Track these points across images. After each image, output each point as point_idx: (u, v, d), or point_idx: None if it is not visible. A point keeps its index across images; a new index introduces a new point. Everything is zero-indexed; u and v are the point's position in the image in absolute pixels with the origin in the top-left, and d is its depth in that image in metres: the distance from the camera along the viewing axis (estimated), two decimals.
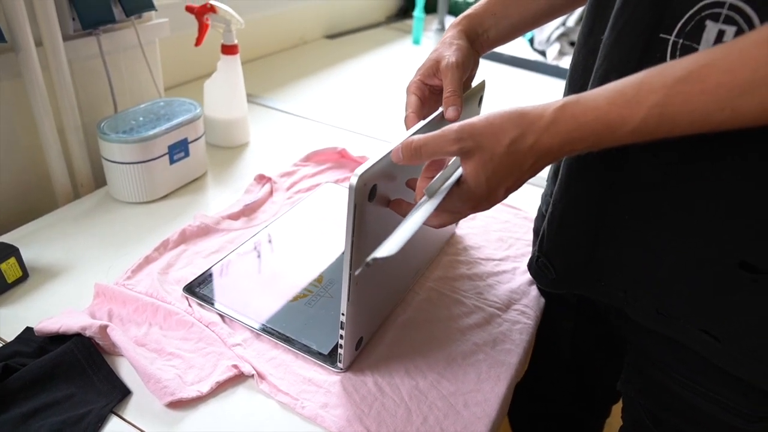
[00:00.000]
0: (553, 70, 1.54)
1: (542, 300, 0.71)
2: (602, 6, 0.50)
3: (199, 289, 0.65)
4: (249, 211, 0.80)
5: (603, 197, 0.51)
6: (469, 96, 0.61)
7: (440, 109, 0.56)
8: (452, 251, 0.77)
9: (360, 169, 0.45)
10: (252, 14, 1.33)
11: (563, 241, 0.56)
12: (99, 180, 0.85)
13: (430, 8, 1.84)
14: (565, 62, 1.57)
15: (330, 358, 0.58)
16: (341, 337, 0.54)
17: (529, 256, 0.69)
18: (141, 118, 0.81)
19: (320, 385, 0.55)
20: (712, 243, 0.46)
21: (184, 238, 0.72)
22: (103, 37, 0.82)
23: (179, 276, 0.66)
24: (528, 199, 0.90)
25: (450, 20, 1.86)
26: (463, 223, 0.82)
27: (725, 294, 0.47)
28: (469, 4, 1.93)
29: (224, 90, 0.94)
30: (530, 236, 0.81)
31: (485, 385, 0.57)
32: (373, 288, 0.57)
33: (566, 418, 0.86)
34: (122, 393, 0.51)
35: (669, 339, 0.53)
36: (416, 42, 1.69)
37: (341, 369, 0.57)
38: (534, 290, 0.72)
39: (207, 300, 0.63)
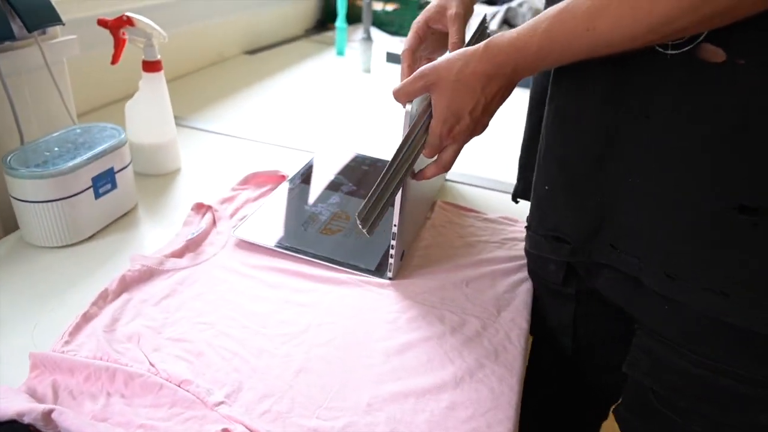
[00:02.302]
0: None
1: (530, 299, 0.68)
2: None
3: (246, 231, 0.72)
4: (194, 245, 0.71)
5: (601, 158, 0.54)
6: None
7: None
8: (424, 262, 0.72)
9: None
10: (166, 31, 1.22)
11: (572, 209, 0.58)
12: (8, 224, 0.72)
13: (349, 19, 1.80)
14: None
15: (377, 272, 0.68)
16: (392, 247, 0.65)
17: (501, 253, 0.75)
18: (56, 149, 0.69)
19: None
20: (709, 192, 0.47)
21: (125, 285, 0.62)
22: (1, 57, 0.70)
23: (129, 331, 0.56)
24: (488, 202, 0.88)
25: (375, 30, 1.84)
26: (425, 234, 0.78)
27: (728, 246, 0.48)
28: (387, 14, 1.91)
29: (149, 111, 0.84)
30: (496, 237, 0.79)
31: (502, 400, 0.53)
32: (410, 206, 0.66)
33: (565, 417, 0.85)
34: None
35: (680, 314, 0.53)
36: (340, 53, 1.64)
37: (390, 278, 0.68)
38: (521, 290, 0.69)
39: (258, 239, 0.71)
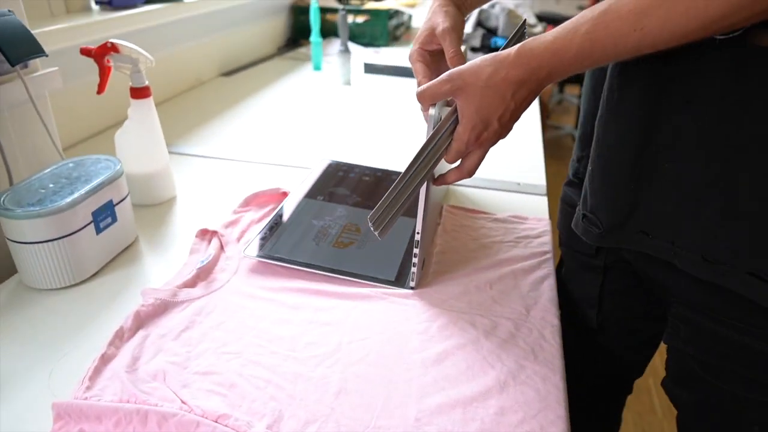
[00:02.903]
0: None
1: (555, 295, 0.67)
2: None
3: (258, 250, 0.70)
4: (204, 273, 0.68)
5: (639, 146, 0.54)
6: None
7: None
8: (442, 268, 0.70)
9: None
10: None
11: (606, 194, 0.57)
12: (4, 268, 0.69)
13: (321, 33, 1.79)
14: None
15: (398, 282, 0.67)
16: (414, 255, 0.64)
17: (518, 252, 0.74)
18: (51, 185, 0.66)
19: None
20: (748, 180, 0.48)
21: (140, 321, 0.59)
22: None
23: (153, 369, 0.53)
24: (493, 202, 0.87)
25: (349, 44, 1.83)
26: (438, 240, 0.76)
27: (758, 235, 0.48)
28: (358, 26, 1.90)
29: (140, 140, 0.81)
30: (510, 236, 0.78)
31: (551, 399, 0.51)
32: (429, 213, 0.64)
33: (590, 392, 0.84)
34: None
35: (717, 285, 0.53)
36: (317, 68, 1.63)
37: (412, 288, 0.66)
38: (545, 287, 0.67)
39: (273, 257, 0.69)
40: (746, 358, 0.54)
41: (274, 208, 0.83)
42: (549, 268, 0.71)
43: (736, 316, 0.53)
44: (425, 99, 0.57)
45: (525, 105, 0.55)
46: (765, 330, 0.52)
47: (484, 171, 0.97)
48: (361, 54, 1.77)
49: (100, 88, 0.78)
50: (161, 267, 0.71)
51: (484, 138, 0.56)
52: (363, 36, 1.91)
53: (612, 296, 0.71)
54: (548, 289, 0.67)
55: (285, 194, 0.85)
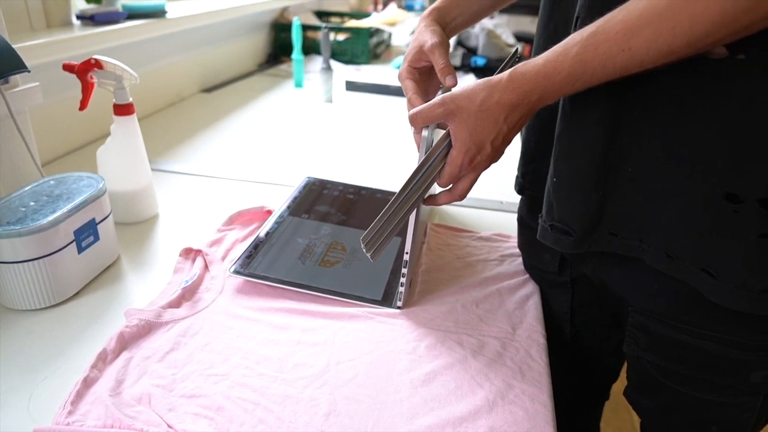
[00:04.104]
0: None
1: (541, 313, 0.68)
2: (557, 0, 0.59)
3: (244, 269, 0.70)
4: (189, 293, 0.67)
5: (603, 153, 0.55)
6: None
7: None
8: (428, 288, 0.70)
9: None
10: None
11: (575, 202, 0.58)
12: None
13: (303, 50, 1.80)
14: None
15: (385, 301, 0.67)
16: (403, 275, 0.65)
17: (502, 269, 0.76)
18: (32, 203, 0.65)
19: None
20: (703, 178, 0.50)
21: (124, 343, 0.58)
22: None
23: (138, 392, 0.52)
24: (477, 221, 0.88)
25: (332, 61, 1.84)
26: (423, 259, 0.77)
27: (716, 229, 0.50)
28: (339, 44, 1.92)
29: (123, 157, 0.80)
30: (494, 254, 0.79)
31: (539, 419, 0.52)
32: (416, 233, 0.64)
33: (568, 402, 0.84)
34: None
35: (668, 291, 0.56)
36: (298, 85, 1.63)
37: (399, 307, 0.66)
38: (531, 305, 0.68)
39: (258, 276, 0.69)
40: (702, 361, 0.56)
41: (258, 227, 0.82)
42: (533, 286, 0.72)
43: (691, 321, 0.55)
44: (417, 122, 0.58)
45: (517, 129, 0.56)
46: (718, 333, 0.54)
47: None
48: (343, 71, 1.78)
49: (83, 105, 0.77)
50: (144, 286, 0.70)
51: (477, 162, 0.57)
52: (344, 54, 1.93)
53: (582, 308, 0.72)
54: (533, 307, 0.68)
55: (269, 212, 0.84)
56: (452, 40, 1.68)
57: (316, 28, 1.91)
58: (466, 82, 1.62)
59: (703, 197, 0.51)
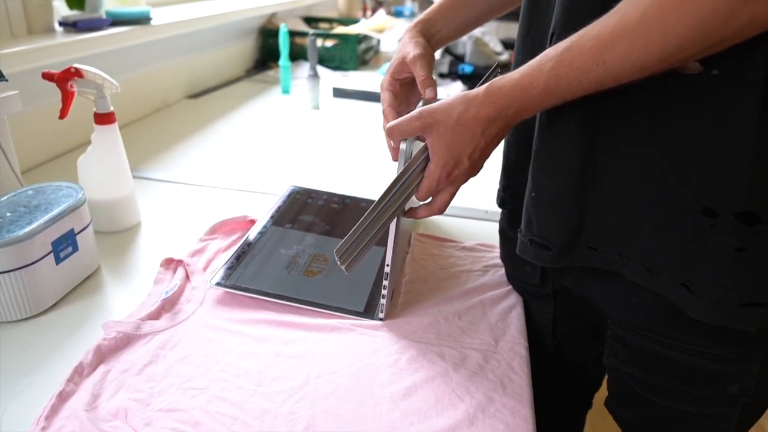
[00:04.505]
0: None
1: (523, 325, 0.68)
2: (538, 6, 0.59)
3: (226, 281, 0.69)
4: (169, 304, 0.66)
5: (581, 168, 0.55)
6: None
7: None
8: (411, 299, 0.70)
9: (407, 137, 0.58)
10: None
11: (554, 217, 0.58)
12: None
13: (290, 56, 1.79)
14: (438, 93, 1.60)
15: (367, 313, 0.66)
16: (384, 287, 0.64)
17: (486, 280, 0.76)
18: (8, 214, 0.64)
19: None
20: (680, 192, 0.50)
21: (102, 356, 0.57)
22: None
23: (114, 407, 0.51)
24: (461, 230, 0.88)
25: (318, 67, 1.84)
26: (406, 269, 0.76)
27: (694, 243, 0.50)
28: (327, 50, 1.92)
29: (104, 166, 0.80)
30: (478, 264, 0.79)
31: None
32: (399, 243, 0.64)
33: (552, 413, 0.84)
34: None
35: (645, 304, 0.56)
36: (285, 91, 1.63)
37: (381, 319, 0.66)
38: (513, 317, 0.68)
39: (240, 288, 0.68)
40: (680, 373, 0.57)
41: (241, 236, 0.82)
42: (516, 298, 0.72)
43: (669, 334, 0.56)
44: (395, 135, 0.58)
45: (495, 143, 0.56)
46: (695, 346, 0.54)
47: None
48: (330, 78, 1.78)
49: (62, 114, 0.76)
50: (124, 297, 0.69)
51: (455, 176, 0.57)
52: (332, 60, 1.93)
53: (564, 320, 0.72)
54: (516, 319, 0.68)
55: (252, 222, 0.84)
56: (439, 50, 1.69)
57: (303, 34, 1.91)
58: (454, 89, 1.63)
59: (679, 211, 0.51)
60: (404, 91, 0.71)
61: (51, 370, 0.57)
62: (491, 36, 1.75)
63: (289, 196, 0.93)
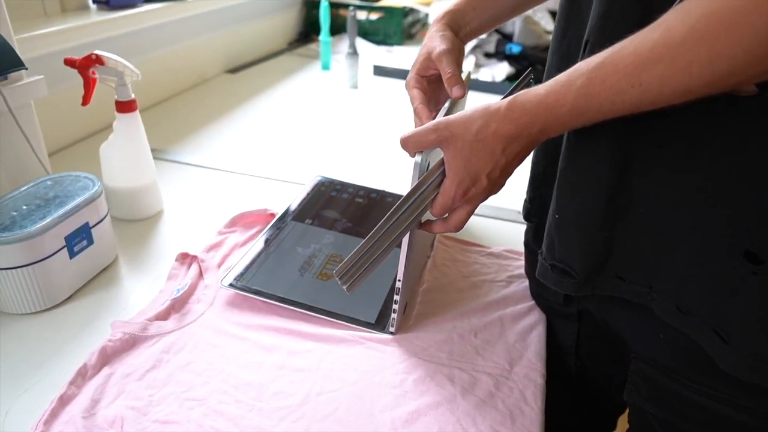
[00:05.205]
0: (472, 84, 1.49)
1: (542, 348, 0.64)
2: (576, 7, 0.53)
3: (238, 281, 0.68)
4: (179, 304, 0.65)
5: (612, 190, 0.50)
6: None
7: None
8: (427, 310, 0.67)
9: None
10: (142, 56, 1.17)
11: (578, 242, 0.54)
12: None
13: (333, 29, 1.75)
14: (483, 74, 1.53)
15: (378, 325, 0.64)
16: (395, 302, 0.61)
17: (508, 292, 0.71)
18: (24, 207, 0.64)
19: None
20: (719, 231, 0.45)
21: (106, 358, 0.57)
22: None
23: (112, 415, 0.51)
24: (489, 232, 0.83)
25: (360, 40, 1.79)
26: (426, 276, 0.73)
27: (731, 288, 0.46)
28: (371, 23, 1.86)
29: (125, 154, 0.79)
30: (503, 274, 0.75)
31: None
32: (414, 255, 0.61)
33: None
34: None
35: (676, 344, 0.51)
36: (326, 67, 1.59)
37: (392, 333, 0.63)
38: (533, 338, 0.64)
39: (250, 290, 0.66)
40: (706, 420, 0.52)
41: (260, 230, 0.80)
42: (539, 315, 0.68)
43: (698, 379, 0.51)
44: (410, 146, 0.54)
45: (517, 161, 0.52)
46: (723, 394, 0.50)
47: None
48: (373, 52, 1.72)
49: (85, 100, 0.75)
50: (140, 290, 0.69)
51: (471, 194, 0.53)
52: (376, 33, 1.87)
53: (589, 342, 0.68)
54: (536, 341, 0.64)
55: (272, 216, 0.82)
56: (470, 46, 1.60)
57: (347, 6, 1.85)
58: (500, 70, 1.54)
59: (719, 251, 0.45)
60: (432, 88, 0.67)
61: (59, 366, 0.57)
62: (543, 13, 1.65)
63: (314, 188, 0.90)
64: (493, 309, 0.68)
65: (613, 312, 0.57)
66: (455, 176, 0.51)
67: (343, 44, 1.77)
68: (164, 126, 1.15)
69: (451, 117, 0.51)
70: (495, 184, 0.53)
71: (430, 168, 0.54)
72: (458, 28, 0.67)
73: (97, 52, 0.73)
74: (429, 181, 0.53)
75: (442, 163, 0.53)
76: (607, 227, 0.51)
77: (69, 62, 0.73)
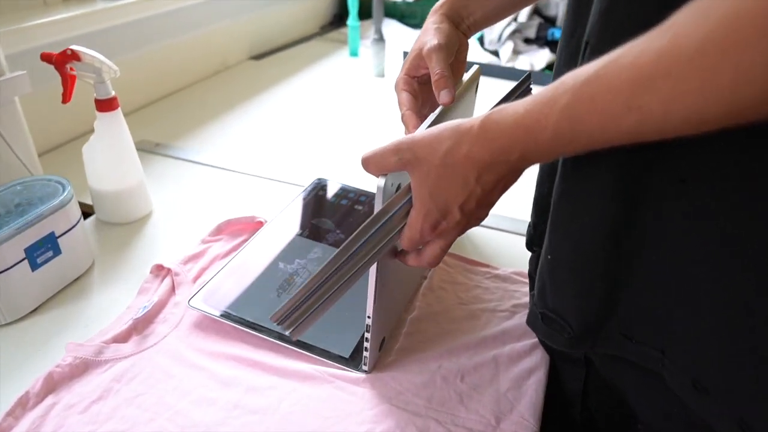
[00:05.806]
0: (508, 73, 1.36)
1: (539, 399, 0.55)
2: (585, 3, 0.43)
3: (207, 300, 0.62)
4: (143, 324, 0.60)
5: (617, 231, 0.42)
6: (466, 85, 0.59)
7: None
8: (412, 344, 0.59)
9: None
10: (160, 42, 1.13)
11: (574, 291, 0.45)
12: None
13: (364, 14, 1.66)
14: (521, 63, 1.41)
15: (352, 361, 0.57)
16: (366, 340, 0.54)
17: (509, 326, 0.62)
18: None
19: None
20: (752, 289, 0.36)
21: (52, 385, 0.53)
22: None
23: None
24: (499, 248, 0.74)
25: (389, 24, 1.69)
26: (418, 302, 0.65)
27: (761, 367, 0.37)
28: (408, 5, 1.76)
29: (108, 155, 0.74)
30: (506, 302, 0.66)
31: None
32: (393, 283, 0.55)
33: None
34: None
35: (690, 421, 0.42)
36: (353, 54, 1.51)
37: (366, 371, 0.56)
38: (529, 386, 0.55)
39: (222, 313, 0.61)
40: None
41: (246, 239, 0.74)
42: (541, 357, 0.59)
43: None
44: (371, 168, 0.45)
45: (498, 190, 0.43)
46: None
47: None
48: (406, 38, 1.63)
49: (65, 98, 0.71)
50: (110, 304, 0.64)
51: (442, 228, 0.44)
52: (413, 17, 1.76)
53: (599, 392, 0.58)
54: (532, 389, 0.55)
55: (260, 224, 0.76)
56: (526, 9, 1.47)
57: None
58: (540, 58, 1.42)
59: (750, 316, 0.36)
60: (424, 90, 0.59)
61: (9, 389, 0.54)
62: None
63: (310, 192, 0.83)
64: (489, 346, 0.60)
65: (618, 371, 0.48)
66: (421, 207, 0.43)
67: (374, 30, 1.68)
68: (174, 118, 1.10)
69: (416, 135, 0.43)
70: (471, 217, 0.44)
71: (399, 192, 0.45)
72: (459, 19, 0.59)
73: (73, 47, 0.68)
74: (393, 210, 0.45)
75: (409, 189, 0.45)
76: (609, 275, 0.42)
77: (45, 57, 0.69)
